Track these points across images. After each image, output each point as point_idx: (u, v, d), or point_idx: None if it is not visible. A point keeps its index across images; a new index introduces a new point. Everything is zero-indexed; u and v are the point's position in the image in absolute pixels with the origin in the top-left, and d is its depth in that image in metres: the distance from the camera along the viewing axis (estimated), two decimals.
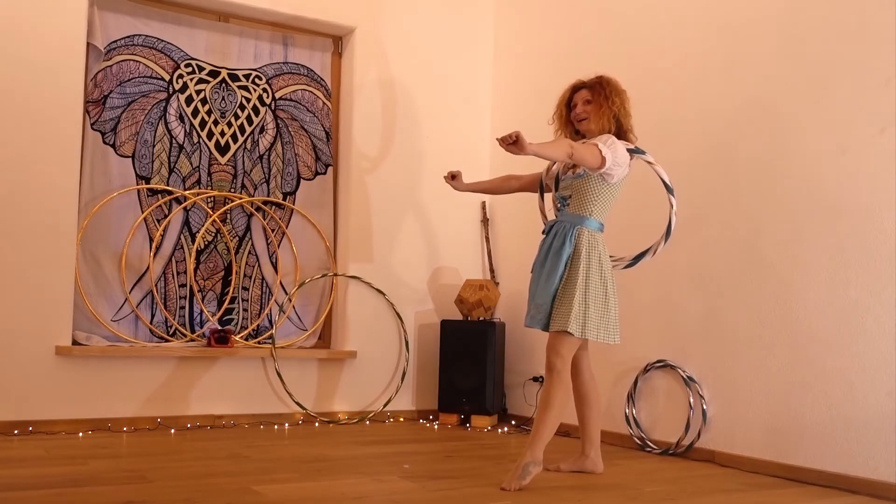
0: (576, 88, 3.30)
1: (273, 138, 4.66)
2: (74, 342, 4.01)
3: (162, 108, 4.38)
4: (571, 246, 3.09)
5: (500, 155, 5.11)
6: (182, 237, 4.39)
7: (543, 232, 3.24)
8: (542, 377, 4.51)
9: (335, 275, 4.70)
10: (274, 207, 4.63)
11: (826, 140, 3.25)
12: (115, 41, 4.27)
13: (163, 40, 4.40)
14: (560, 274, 3.07)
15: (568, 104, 3.31)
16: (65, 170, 3.96)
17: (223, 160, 4.52)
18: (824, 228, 3.22)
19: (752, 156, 3.53)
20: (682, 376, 3.70)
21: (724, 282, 3.60)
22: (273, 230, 4.62)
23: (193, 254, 4.40)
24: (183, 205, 4.39)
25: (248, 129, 4.60)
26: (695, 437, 3.63)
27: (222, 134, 4.53)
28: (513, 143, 2.79)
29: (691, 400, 3.67)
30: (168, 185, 4.37)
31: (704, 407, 3.62)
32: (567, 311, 3.02)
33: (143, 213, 4.28)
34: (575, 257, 3.07)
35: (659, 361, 3.84)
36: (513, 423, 4.61)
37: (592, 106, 3.22)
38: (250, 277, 4.56)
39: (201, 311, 4.40)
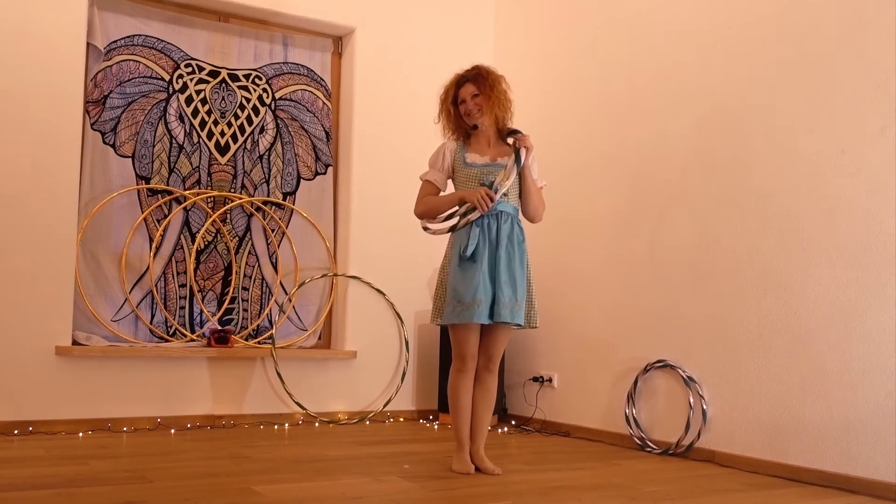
0: (459, 84, 3.28)
1: (273, 138, 4.66)
2: (74, 342, 4.01)
3: (162, 108, 4.38)
4: (524, 239, 3.15)
5: None
6: (182, 237, 4.39)
7: (466, 217, 3.09)
8: (542, 377, 4.51)
9: (335, 275, 4.70)
10: (274, 207, 4.63)
11: (826, 140, 3.25)
12: (115, 41, 4.27)
13: (163, 40, 4.40)
14: (525, 266, 3.12)
15: (455, 101, 3.28)
16: (65, 170, 3.96)
17: (223, 160, 4.52)
18: (824, 228, 3.22)
19: (753, 155, 3.53)
20: (682, 376, 3.70)
21: (724, 282, 3.60)
22: (273, 230, 4.62)
23: (193, 254, 4.40)
24: (183, 205, 4.39)
25: (248, 129, 4.60)
26: (695, 437, 3.63)
27: (222, 134, 4.53)
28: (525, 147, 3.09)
29: (691, 400, 3.67)
30: (168, 185, 4.37)
31: (704, 407, 3.62)
32: (531, 306, 3.15)
33: (143, 213, 4.28)
34: (525, 250, 3.15)
35: (659, 361, 3.84)
36: (513, 423, 4.61)
37: (482, 98, 3.23)
38: (250, 277, 4.56)
39: (201, 311, 4.40)
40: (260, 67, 4.64)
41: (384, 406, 4.65)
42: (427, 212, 3.26)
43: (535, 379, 4.54)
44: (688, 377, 3.69)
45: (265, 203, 4.60)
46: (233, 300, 4.50)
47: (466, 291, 3.01)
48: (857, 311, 3.09)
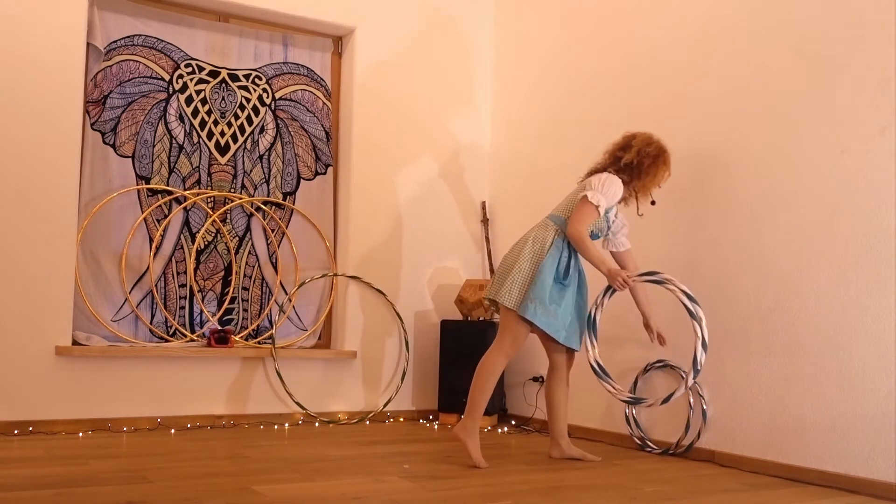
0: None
1: (273, 138, 4.66)
2: (74, 342, 4.01)
3: (162, 109, 4.38)
4: None
5: (500, 155, 5.12)
6: (182, 237, 4.39)
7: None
8: (541, 377, 4.51)
9: (335, 275, 4.70)
10: (274, 207, 4.63)
11: (826, 140, 3.25)
12: (115, 41, 4.27)
13: (163, 40, 4.40)
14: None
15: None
16: (65, 170, 3.96)
17: (223, 160, 4.52)
18: (824, 228, 3.22)
19: (753, 155, 3.52)
20: (683, 376, 3.70)
21: (724, 282, 3.60)
22: (273, 230, 4.62)
23: (193, 254, 4.40)
24: (183, 205, 4.39)
25: (248, 130, 4.60)
26: (695, 437, 3.63)
27: (222, 134, 4.53)
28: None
29: (691, 400, 3.67)
30: (168, 186, 4.37)
31: (704, 407, 3.62)
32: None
33: (143, 213, 4.28)
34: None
35: (659, 361, 3.84)
36: (513, 423, 4.61)
37: None
38: (250, 277, 4.56)
39: (201, 311, 4.40)
40: (260, 67, 4.64)
41: (384, 406, 4.65)
42: (579, 249, 3.36)
43: (535, 379, 4.54)
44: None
45: (265, 203, 4.60)
46: (233, 300, 4.50)
47: (559, 309, 3.35)
48: (857, 311, 3.09)
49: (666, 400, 3.39)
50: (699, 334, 3.25)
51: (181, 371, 4.16)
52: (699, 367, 3.26)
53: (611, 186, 3.35)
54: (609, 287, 3.51)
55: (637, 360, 3.96)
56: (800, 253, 3.30)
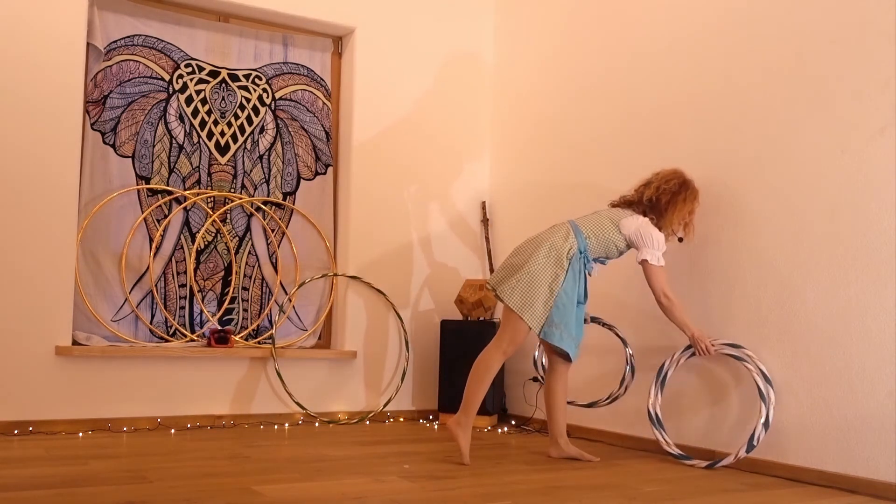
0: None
1: (273, 138, 4.66)
2: (74, 342, 4.01)
3: (162, 109, 4.38)
4: None
5: (500, 156, 5.12)
6: (182, 237, 4.39)
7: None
8: (541, 377, 4.51)
9: (335, 275, 4.70)
10: (274, 207, 4.63)
11: (826, 140, 3.25)
12: (115, 41, 4.27)
13: (163, 40, 4.40)
14: None
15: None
16: (65, 170, 3.96)
17: (223, 160, 4.52)
18: (824, 228, 3.22)
19: (753, 155, 3.53)
20: (619, 336, 3.72)
21: (723, 282, 3.60)
22: (273, 230, 4.62)
23: (193, 254, 4.40)
24: (183, 205, 4.39)
25: (248, 130, 4.60)
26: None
27: (222, 134, 4.53)
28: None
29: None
30: (168, 186, 4.37)
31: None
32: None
33: (143, 213, 4.28)
34: None
35: (594, 318, 3.89)
36: (512, 422, 4.61)
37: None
38: (250, 277, 4.56)
39: (201, 311, 4.40)
40: (260, 67, 4.64)
41: (384, 406, 4.65)
42: (669, 315, 3.46)
43: (535, 379, 4.54)
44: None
45: (265, 203, 4.61)
46: (233, 300, 4.50)
47: (576, 328, 3.42)
48: (857, 311, 3.09)
49: (712, 464, 3.38)
50: (764, 415, 3.24)
51: (181, 371, 4.16)
52: (755, 444, 3.25)
53: (657, 237, 3.41)
54: (689, 347, 3.53)
55: (636, 361, 3.96)
56: (800, 253, 3.30)
